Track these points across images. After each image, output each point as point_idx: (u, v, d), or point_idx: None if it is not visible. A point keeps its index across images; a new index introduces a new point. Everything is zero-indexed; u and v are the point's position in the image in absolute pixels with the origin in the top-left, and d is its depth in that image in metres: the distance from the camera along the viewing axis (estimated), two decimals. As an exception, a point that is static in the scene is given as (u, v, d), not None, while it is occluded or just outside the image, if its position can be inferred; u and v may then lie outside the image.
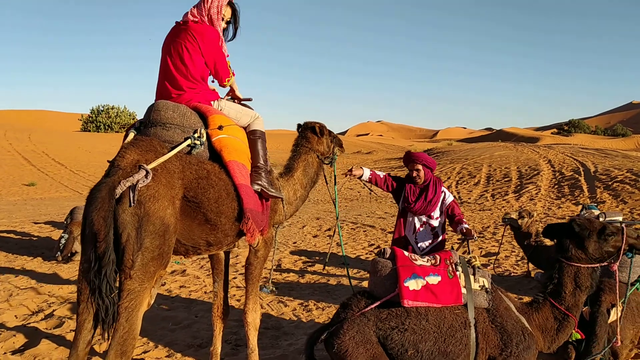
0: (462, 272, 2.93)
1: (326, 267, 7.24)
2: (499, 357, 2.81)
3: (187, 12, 3.18)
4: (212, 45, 3.13)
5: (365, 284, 5.87)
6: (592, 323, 3.45)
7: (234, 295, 5.79)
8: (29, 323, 4.70)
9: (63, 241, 7.17)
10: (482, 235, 9.38)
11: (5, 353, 4.01)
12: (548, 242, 5.85)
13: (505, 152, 22.78)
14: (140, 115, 3.14)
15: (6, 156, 26.09)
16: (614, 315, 3.47)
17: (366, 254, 8.16)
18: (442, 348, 2.74)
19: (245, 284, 3.51)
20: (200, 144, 2.93)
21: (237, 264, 7.17)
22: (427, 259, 2.99)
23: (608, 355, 3.55)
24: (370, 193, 16.42)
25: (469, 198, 14.73)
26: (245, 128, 3.37)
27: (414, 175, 4.46)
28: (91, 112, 53.13)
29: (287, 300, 5.66)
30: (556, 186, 14.45)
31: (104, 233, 2.32)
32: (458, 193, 15.64)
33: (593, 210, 4.99)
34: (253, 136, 3.33)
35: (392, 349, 2.72)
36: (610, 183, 13.28)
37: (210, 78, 3.32)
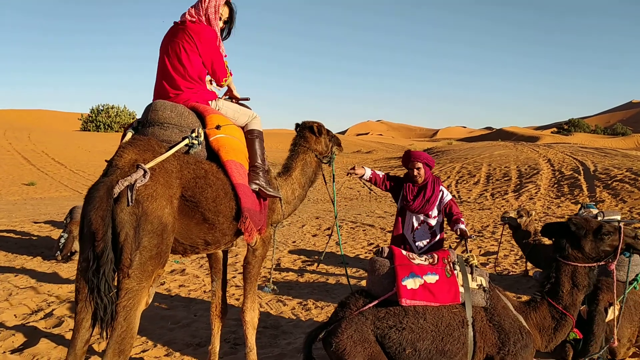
0: (460, 271, 2.94)
1: (325, 267, 7.25)
2: (496, 355, 2.82)
3: (185, 12, 3.19)
4: (209, 45, 3.14)
5: (364, 283, 5.87)
6: (590, 322, 3.46)
7: (233, 294, 5.80)
8: (28, 322, 4.71)
9: (62, 240, 7.18)
10: (481, 234, 9.39)
11: (4, 352, 4.01)
12: (546, 241, 5.87)
13: (505, 151, 22.78)
14: (139, 115, 3.16)
15: (6, 156, 26.08)
16: (611, 314, 3.48)
17: (365, 253, 8.17)
18: (440, 347, 2.75)
19: (244, 282, 3.52)
20: (198, 144, 2.94)
21: (236, 263, 7.18)
22: (425, 258, 3.00)
23: (606, 353, 3.56)
24: (370, 192, 16.43)
25: (469, 197, 14.74)
26: (242, 127, 3.38)
27: (414, 174, 4.47)
28: (91, 112, 53.11)
29: (286, 299, 5.67)
30: (556, 185, 14.46)
31: (102, 232, 2.32)
32: (458, 192, 15.65)
33: (591, 209, 5.00)
34: (251, 135, 3.34)
35: (390, 348, 2.73)
36: (609, 182, 13.29)
37: (208, 78, 3.33)
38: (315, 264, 7.36)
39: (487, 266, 7.09)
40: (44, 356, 3.98)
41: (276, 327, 4.80)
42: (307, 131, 3.95)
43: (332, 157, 4.08)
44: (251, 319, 3.50)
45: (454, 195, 15.20)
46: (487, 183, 16.30)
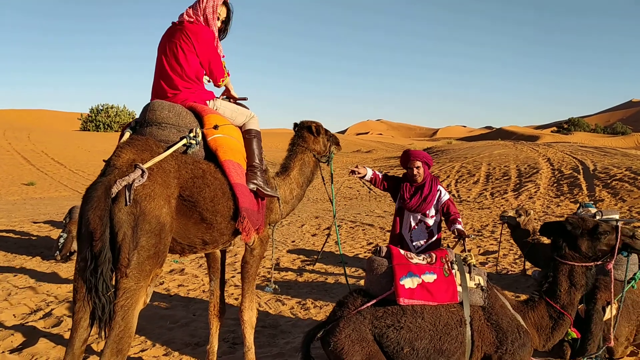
0: (458, 270, 2.94)
1: (324, 266, 7.25)
2: (494, 354, 2.83)
3: (183, 13, 3.19)
4: (206, 45, 3.14)
5: (363, 282, 5.88)
6: (588, 321, 3.47)
7: (232, 294, 5.81)
8: (27, 322, 4.71)
9: (62, 240, 7.18)
10: (480, 233, 9.39)
11: (3, 352, 4.02)
12: (545, 240, 5.87)
13: (505, 150, 22.78)
14: (139, 115, 3.16)
15: (5, 156, 26.09)
16: (609, 313, 3.48)
17: (364, 252, 8.17)
18: (438, 346, 2.76)
19: (242, 282, 3.52)
20: (196, 144, 2.94)
21: (235, 262, 7.19)
22: (423, 257, 3.00)
23: (604, 352, 3.56)
24: (369, 192, 16.43)
25: (468, 196, 14.74)
26: (240, 127, 3.38)
27: (414, 172, 4.47)
28: (90, 112, 53.12)
29: (284, 299, 5.67)
30: (555, 184, 14.47)
31: (100, 232, 2.33)
32: (457, 191, 15.66)
33: (590, 209, 5.01)
34: (248, 135, 3.34)
35: (388, 347, 2.73)
36: (609, 181, 13.30)
37: (206, 78, 3.33)
38: (318, 264, 7.36)
39: (487, 265, 7.09)
40: (43, 356, 3.98)
41: (275, 327, 4.81)
42: (305, 131, 3.95)
43: (330, 157, 4.08)
44: (249, 318, 3.50)
45: (453, 195, 15.20)
46: (486, 182, 16.31)
